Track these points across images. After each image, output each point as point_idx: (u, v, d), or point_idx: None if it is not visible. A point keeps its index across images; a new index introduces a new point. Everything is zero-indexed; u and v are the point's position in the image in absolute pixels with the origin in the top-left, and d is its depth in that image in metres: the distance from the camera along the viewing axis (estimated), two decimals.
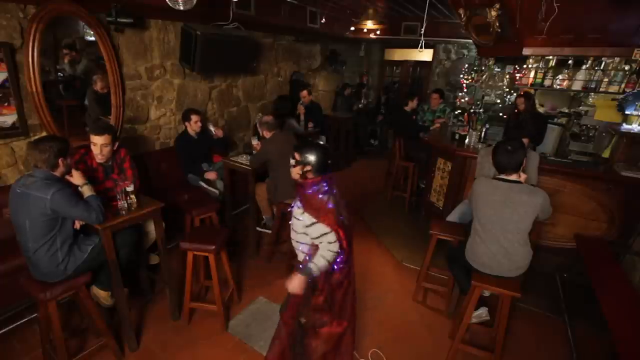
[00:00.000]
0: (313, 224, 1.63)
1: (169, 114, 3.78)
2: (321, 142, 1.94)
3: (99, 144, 2.30)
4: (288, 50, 5.49)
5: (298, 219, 1.72)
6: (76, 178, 2.06)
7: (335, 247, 1.64)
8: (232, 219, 3.84)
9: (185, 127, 3.60)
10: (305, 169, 1.68)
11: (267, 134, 3.19)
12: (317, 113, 5.17)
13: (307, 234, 1.69)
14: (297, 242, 1.79)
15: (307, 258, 1.70)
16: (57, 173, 1.95)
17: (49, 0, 2.51)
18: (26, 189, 1.84)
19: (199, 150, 3.68)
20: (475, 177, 2.78)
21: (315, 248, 1.69)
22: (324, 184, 1.68)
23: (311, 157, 1.67)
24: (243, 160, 3.43)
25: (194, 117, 3.54)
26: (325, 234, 1.62)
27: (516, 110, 4.06)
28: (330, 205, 1.64)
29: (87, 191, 2.05)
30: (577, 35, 3.07)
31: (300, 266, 1.68)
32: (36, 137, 2.52)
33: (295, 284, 1.63)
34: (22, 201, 1.85)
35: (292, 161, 1.71)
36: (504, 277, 2.16)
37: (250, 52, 4.32)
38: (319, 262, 1.62)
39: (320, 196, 1.65)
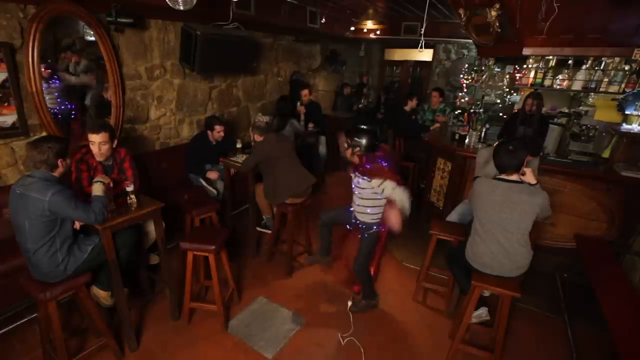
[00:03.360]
0: (382, 183, 2.26)
1: (169, 114, 3.78)
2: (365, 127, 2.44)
3: (97, 142, 2.31)
4: (288, 50, 5.49)
5: (364, 188, 2.38)
6: (103, 177, 2.15)
7: (404, 190, 2.26)
8: (232, 219, 3.84)
9: (207, 132, 3.63)
10: (355, 151, 2.36)
11: (258, 138, 3.15)
12: (317, 113, 5.16)
13: (377, 197, 2.36)
14: (364, 207, 2.44)
15: (373, 216, 2.44)
16: (56, 174, 1.95)
17: (49, 0, 2.51)
18: (25, 190, 1.84)
19: (211, 154, 3.67)
20: (475, 177, 2.78)
21: (388, 203, 2.33)
22: (378, 159, 2.32)
23: (361, 141, 2.34)
24: (243, 160, 3.42)
25: (217, 127, 3.56)
26: (395, 187, 2.25)
27: (528, 110, 3.85)
28: (386, 165, 2.30)
29: (97, 190, 2.05)
30: (577, 35, 3.06)
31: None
32: (35, 138, 2.52)
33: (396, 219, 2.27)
34: (21, 202, 1.85)
35: (345, 145, 2.39)
36: (504, 277, 2.16)
37: (250, 52, 4.32)
38: (406, 203, 2.24)
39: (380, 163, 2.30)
